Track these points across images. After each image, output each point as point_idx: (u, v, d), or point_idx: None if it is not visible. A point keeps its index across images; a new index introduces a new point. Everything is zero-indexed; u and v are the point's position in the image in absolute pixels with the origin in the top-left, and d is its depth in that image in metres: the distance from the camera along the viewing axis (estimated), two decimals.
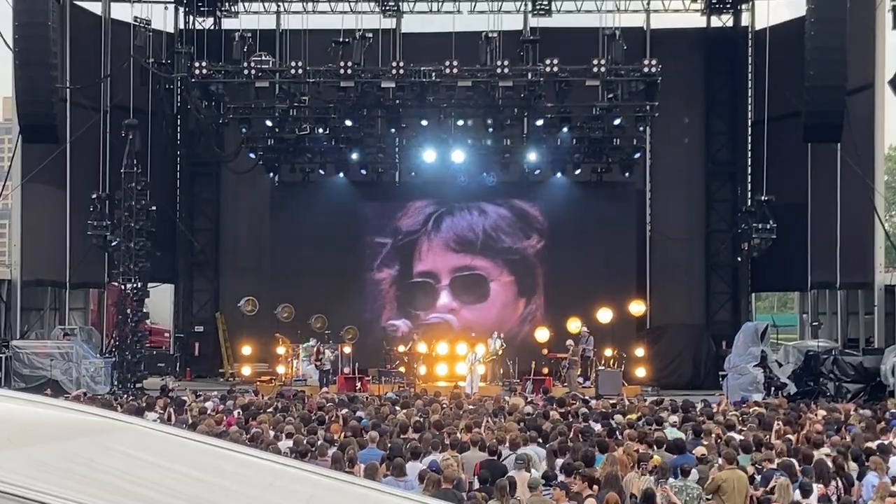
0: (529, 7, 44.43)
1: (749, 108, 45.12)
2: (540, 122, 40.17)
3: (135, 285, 38.04)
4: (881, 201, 39.28)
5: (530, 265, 43.43)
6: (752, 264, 42.98)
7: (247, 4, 46.26)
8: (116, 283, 39.36)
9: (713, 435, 19.76)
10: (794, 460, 16.56)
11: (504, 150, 41.87)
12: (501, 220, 43.46)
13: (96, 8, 43.71)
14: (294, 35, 42.34)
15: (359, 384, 37.30)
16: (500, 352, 39.48)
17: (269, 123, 40.54)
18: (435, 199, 43.57)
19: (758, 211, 38.97)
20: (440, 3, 45.29)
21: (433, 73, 36.95)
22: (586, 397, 31.38)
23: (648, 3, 45.44)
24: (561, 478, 14.95)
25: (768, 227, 38.33)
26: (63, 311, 41.87)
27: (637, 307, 42.18)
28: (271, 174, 43.43)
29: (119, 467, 3.56)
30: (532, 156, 41.34)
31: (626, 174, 42.19)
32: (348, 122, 40.43)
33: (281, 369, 40.06)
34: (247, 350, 43.36)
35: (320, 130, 40.64)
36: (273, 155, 42.34)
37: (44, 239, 40.50)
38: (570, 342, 38.28)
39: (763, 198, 38.94)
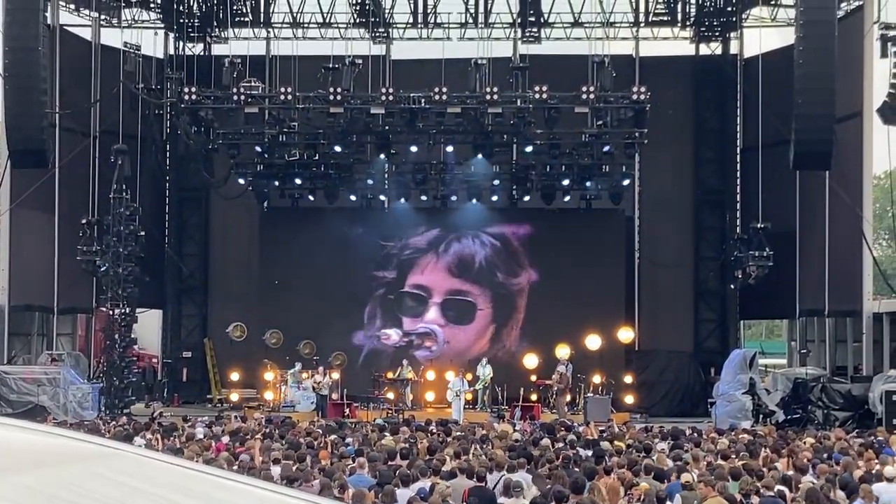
0: (519, 34, 44.69)
1: (738, 136, 45.30)
2: (529, 149, 40.22)
3: (123, 310, 37.96)
4: (869, 229, 39.37)
5: (517, 291, 43.40)
6: (741, 292, 43.01)
7: (236, 30, 46.42)
8: (104, 309, 39.29)
9: (703, 462, 19.72)
10: (783, 488, 16.53)
11: (493, 177, 41.91)
12: (492, 249, 43.48)
13: (86, 33, 43.81)
14: (284, 61, 42.42)
15: (347, 410, 37.26)
16: (488, 379, 39.43)
17: (258, 149, 40.55)
18: (423, 226, 43.60)
19: (754, 238, 38.98)
20: (430, 30, 45.50)
21: (423, 100, 36.98)
22: (574, 424, 31.31)
23: (637, 31, 45.70)
24: None
25: (765, 254, 38.31)
26: (51, 337, 41.78)
27: (626, 334, 42.21)
28: (260, 200, 43.42)
29: (109, 494, 3.54)
30: (521, 182, 41.36)
31: (615, 201, 42.29)
32: (338, 148, 40.41)
33: (269, 395, 39.97)
34: (235, 376, 43.33)
35: (309, 156, 40.67)
36: (262, 180, 42.35)
37: (32, 264, 40.43)
38: (560, 367, 38.30)
39: (759, 225, 38.94)
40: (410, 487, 16.14)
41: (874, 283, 39.82)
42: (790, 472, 18.28)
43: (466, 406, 37.90)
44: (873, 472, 18.18)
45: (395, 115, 37.75)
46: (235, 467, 18.31)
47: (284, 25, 46.29)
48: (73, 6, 43.24)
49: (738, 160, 45.35)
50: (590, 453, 21.35)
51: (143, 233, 38.75)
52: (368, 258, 43.22)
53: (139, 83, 41.27)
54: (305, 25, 46.09)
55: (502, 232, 43.63)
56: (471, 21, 45.26)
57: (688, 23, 45.92)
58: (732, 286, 42.83)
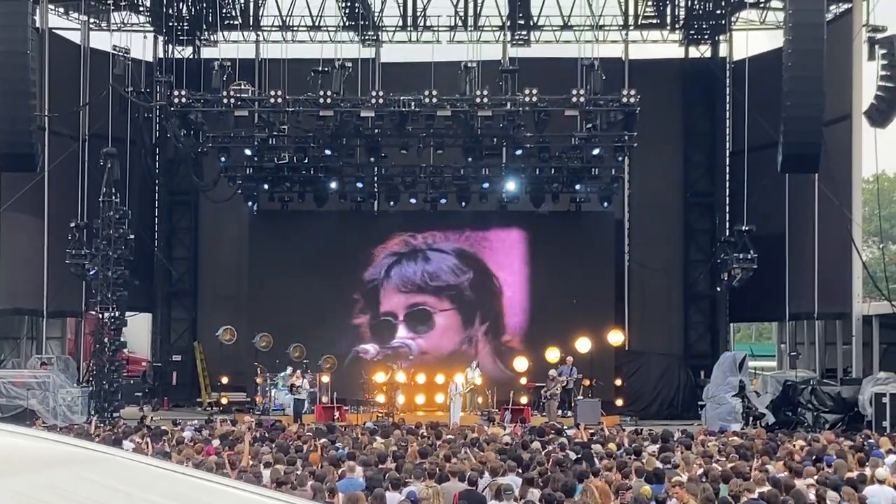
0: (508, 37, 44.68)
1: (727, 139, 45.34)
2: (519, 152, 40.21)
3: (112, 314, 37.83)
4: (858, 232, 39.42)
5: (505, 293, 43.39)
6: (730, 295, 43.03)
7: (226, 34, 46.34)
8: (94, 312, 39.16)
9: (695, 465, 19.72)
10: (774, 490, 16.53)
11: (483, 180, 41.90)
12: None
13: (75, 37, 43.78)
14: (273, 64, 42.40)
15: (337, 414, 37.20)
16: (476, 382, 39.36)
17: (248, 152, 40.49)
18: (413, 229, 43.54)
19: (738, 241, 39.01)
20: (419, 33, 45.48)
21: (412, 103, 36.96)
22: (565, 427, 31.30)
23: (627, 34, 45.73)
24: None
25: (749, 257, 38.33)
26: (40, 340, 41.66)
27: (615, 337, 42.19)
28: (250, 203, 43.36)
29: (98, 498, 3.53)
30: (511, 185, 41.38)
31: (605, 204, 42.31)
32: (327, 152, 40.37)
33: (259, 399, 39.91)
34: (225, 379, 43.22)
35: (299, 159, 40.63)
36: (252, 184, 42.29)
37: (21, 267, 40.32)
38: (552, 371, 38.25)
39: (744, 228, 38.97)
40: (401, 491, 16.12)
41: (863, 285, 39.90)
42: (781, 475, 18.28)
43: None
44: (865, 473, 18.21)
45: (384, 118, 37.74)
46: (225, 471, 18.27)
47: (274, 28, 46.27)
48: (62, 9, 43.21)
49: (728, 163, 45.38)
50: (580, 457, 21.33)
51: (132, 236, 38.59)
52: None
53: (128, 86, 41.20)
54: (295, 28, 46.08)
55: (488, 235, 43.56)
56: (460, 24, 45.25)
57: (677, 26, 45.97)
58: (719, 289, 42.86)
